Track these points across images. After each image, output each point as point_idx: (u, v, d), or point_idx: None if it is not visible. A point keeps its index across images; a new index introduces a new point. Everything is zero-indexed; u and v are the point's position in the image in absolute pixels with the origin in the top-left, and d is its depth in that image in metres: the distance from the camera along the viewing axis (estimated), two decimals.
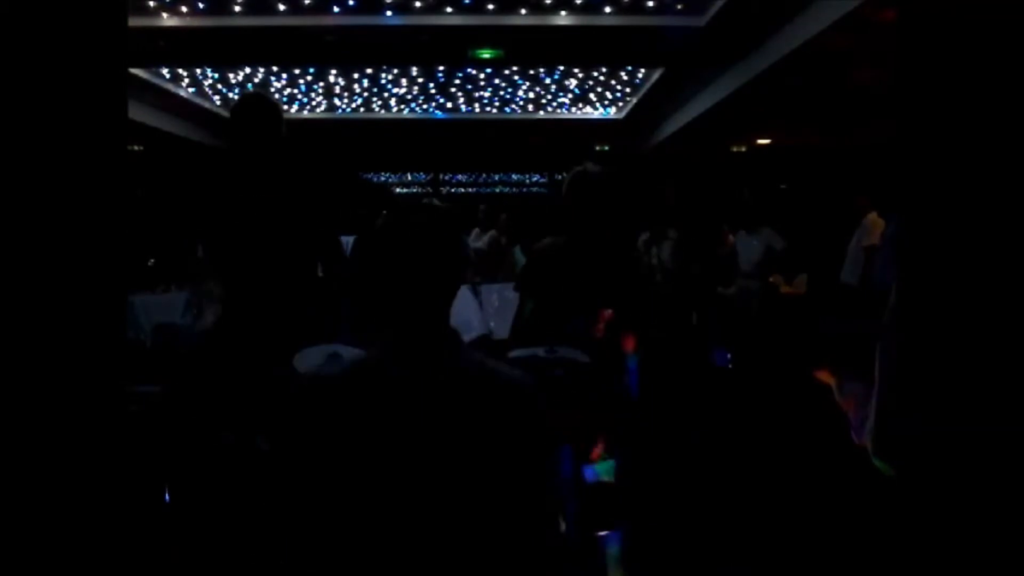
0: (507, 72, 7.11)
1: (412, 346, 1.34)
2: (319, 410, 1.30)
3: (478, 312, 5.21)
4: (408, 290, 1.35)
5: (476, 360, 1.38)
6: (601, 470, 2.22)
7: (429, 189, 13.16)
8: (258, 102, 2.97)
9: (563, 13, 5.25)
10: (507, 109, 8.84)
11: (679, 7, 5.10)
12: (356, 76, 7.33)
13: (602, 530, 2.12)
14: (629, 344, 2.44)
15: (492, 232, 7.82)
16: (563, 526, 1.97)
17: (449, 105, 8.64)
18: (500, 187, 14.36)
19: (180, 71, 7.13)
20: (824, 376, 1.56)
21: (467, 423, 1.30)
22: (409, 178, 14.36)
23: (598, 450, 2.22)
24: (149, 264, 6.47)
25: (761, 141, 9.85)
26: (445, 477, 1.28)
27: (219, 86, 7.64)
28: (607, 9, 5.16)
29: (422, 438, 1.28)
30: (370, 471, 1.28)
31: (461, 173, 14.02)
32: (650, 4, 5.04)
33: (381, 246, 1.36)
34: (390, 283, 1.35)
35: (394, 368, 1.32)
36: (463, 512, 1.29)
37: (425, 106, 8.71)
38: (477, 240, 7.69)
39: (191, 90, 7.74)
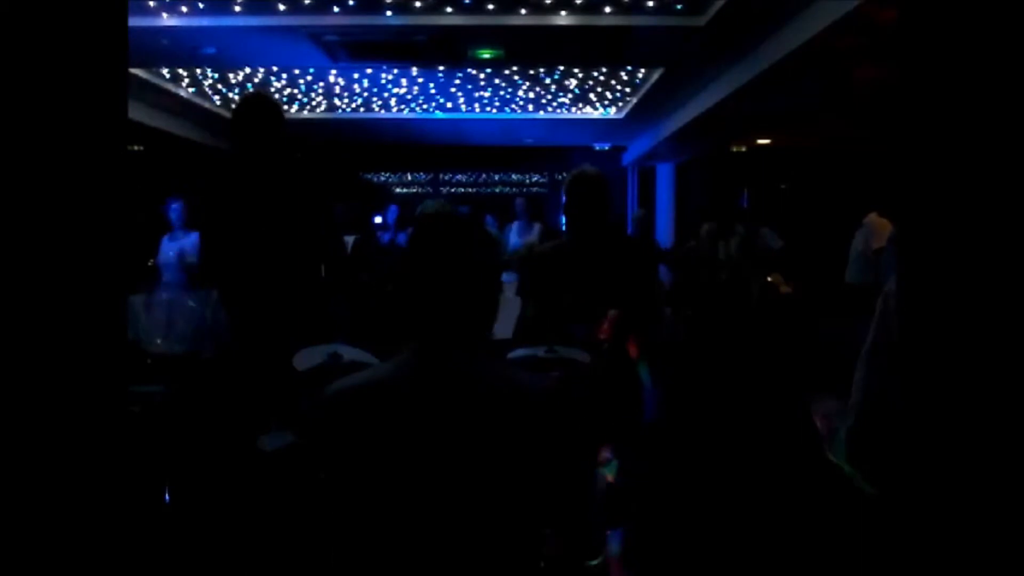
0: (507, 72, 7.11)
1: (438, 354, 1.33)
2: (349, 418, 1.31)
3: None
4: (436, 298, 1.34)
5: (498, 368, 1.38)
6: (604, 469, 2.22)
7: (429, 189, 13.16)
8: (260, 102, 2.97)
9: (563, 13, 5.25)
10: (507, 109, 8.84)
11: (679, 7, 5.09)
12: (356, 76, 7.32)
13: (604, 529, 2.12)
14: (633, 348, 2.44)
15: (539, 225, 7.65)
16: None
17: (449, 105, 8.63)
18: (500, 187, 14.37)
19: (180, 71, 7.13)
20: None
21: (489, 432, 1.30)
22: (409, 178, 14.36)
23: (606, 453, 2.22)
24: (149, 264, 6.47)
25: (761, 141, 9.84)
26: (471, 485, 1.28)
27: (219, 86, 7.64)
28: (607, 9, 5.15)
29: (448, 445, 1.28)
30: (396, 478, 1.29)
31: (461, 173, 14.02)
32: (650, 4, 5.04)
33: (412, 255, 1.35)
34: (420, 291, 1.34)
35: (421, 376, 1.32)
36: (485, 518, 1.29)
37: (425, 106, 8.71)
38: (523, 235, 7.50)
39: (191, 90, 7.74)
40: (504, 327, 3.59)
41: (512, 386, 1.34)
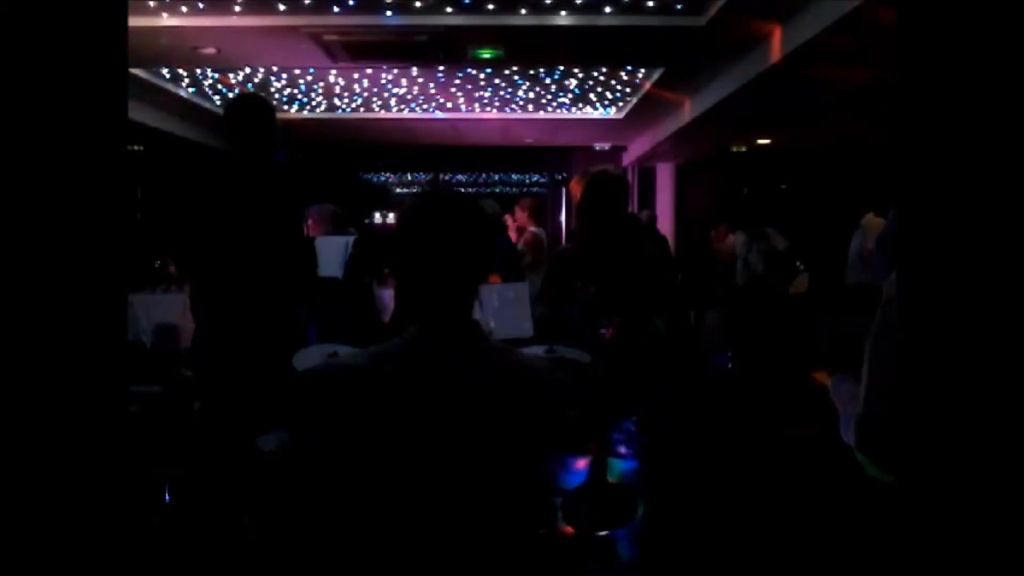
0: (507, 72, 7.10)
1: (439, 334, 1.33)
2: (341, 397, 1.30)
3: (478, 312, 5.22)
4: (439, 277, 1.34)
5: (499, 347, 1.38)
6: (608, 474, 2.22)
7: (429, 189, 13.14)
8: (254, 102, 2.97)
9: (563, 13, 5.25)
10: (507, 109, 8.83)
11: (679, 7, 5.09)
12: (356, 76, 7.32)
13: (603, 529, 2.12)
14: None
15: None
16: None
17: (449, 105, 8.63)
18: (500, 187, 14.36)
19: (180, 71, 7.13)
20: (821, 377, 1.58)
21: (491, 409, 1.30)
22: (409, 178, 14.35)
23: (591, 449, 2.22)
24: (156, 265, 6.50)
25: (761, 141, 9.84)
26: (468, 461, 1.28)
27: (219, 86, 7.63)
28: (607, 9, 5.15)
29: (446, 423, 1.29)
30: (392, 456, 1.28)
31: (461, 173, 14.01)
32: (650, 4, 5.04)
33: (412, 234, 1.35)
34: (421, 270, 1.34)
35: (420, 355, 1.32)
36: (479, 497, 1.29)
37: (425, 106, 8.70)
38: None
39: (191, 90, 7.73)
40: (505, 328, 3.60)
41: (512, 363, 1.35)
